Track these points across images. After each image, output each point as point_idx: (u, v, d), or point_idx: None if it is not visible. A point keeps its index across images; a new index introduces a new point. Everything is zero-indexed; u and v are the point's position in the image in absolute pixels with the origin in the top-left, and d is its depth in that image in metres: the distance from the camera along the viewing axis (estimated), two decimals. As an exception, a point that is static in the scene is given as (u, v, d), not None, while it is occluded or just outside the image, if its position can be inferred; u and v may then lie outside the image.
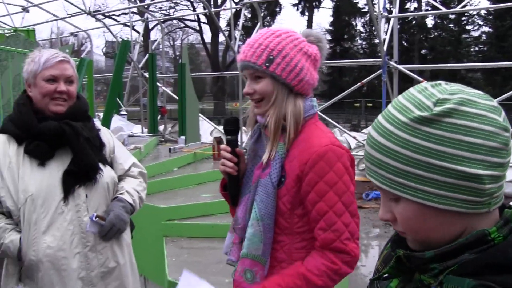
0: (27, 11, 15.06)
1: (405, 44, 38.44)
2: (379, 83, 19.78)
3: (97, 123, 2.45)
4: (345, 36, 41.33)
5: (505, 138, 0.86)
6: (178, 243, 4.26)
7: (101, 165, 2.22)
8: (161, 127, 13.75)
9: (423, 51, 38.14)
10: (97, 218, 2.10)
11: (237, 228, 1.84)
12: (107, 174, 2.25)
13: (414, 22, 36.64)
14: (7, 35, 8.69)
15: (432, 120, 0.85)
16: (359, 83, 10.63)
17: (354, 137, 11.00)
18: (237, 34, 13.71)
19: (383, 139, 0.90)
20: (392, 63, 9.74)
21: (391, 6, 10.43)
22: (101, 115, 9.69)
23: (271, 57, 1.65)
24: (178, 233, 4.43)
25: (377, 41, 37.00)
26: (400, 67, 9.86)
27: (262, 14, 12.34)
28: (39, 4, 14.60)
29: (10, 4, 14.72)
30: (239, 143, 1.95)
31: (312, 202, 1.63)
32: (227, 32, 19.18)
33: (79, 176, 2.14)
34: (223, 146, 1.87)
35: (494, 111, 0.87)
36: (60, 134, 2.10)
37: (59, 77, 2.14)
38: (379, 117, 0.94)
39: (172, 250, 4.10)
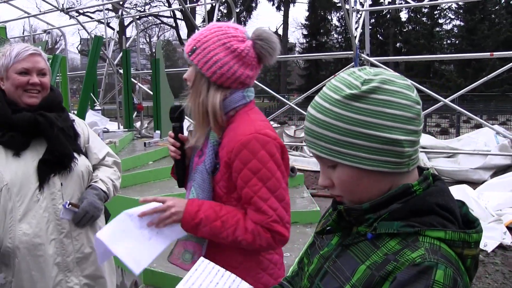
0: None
1: (380, 38, 38.90)
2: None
3: (72, 116, 2.52)
4: (321, 31, 41.63)
5: (418, 110, 1.05)
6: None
7: (75, 154, 2.28)
8: (138, 124, 13.75)
9: (397, 44, 38.67)
10: (70, 205, 2.17)
11: None
12: (81, 163, 2.31)
13: (388, 16, 37.11)
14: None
15: (361, 97, 1.02)
16: (332, 76, 10.77)
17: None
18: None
19: (321, 115, 1.06)
20: (363, 55, 9.96)
21: (364, 0, 10.59)
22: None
23: (194, 47, 1.75)
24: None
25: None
26: (372, 59, 10.06)
27: (237, 10, 12.42)
28: (9, 0, 14.34)
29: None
30: (185, 130, 2.09)
31: (239, 188, 1.71)
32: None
33: (54, 165, 2.18)
34: (170, 132, 1.99)
35: (408, 88, 1.05)
36: (35, 125, 2.14)
37: (31, 70, 2.17)
38: (316, 97, 1.11)
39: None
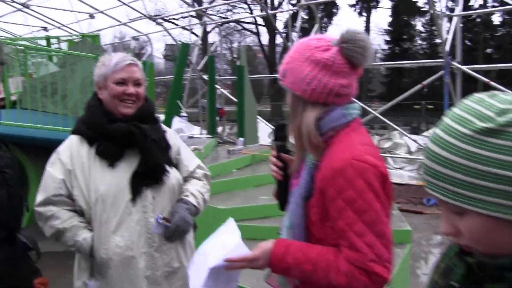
0: (93, 18, 15.72)
1: (468, 43, 37.03)
2: (440, 84, 19.12)
3: (164, 127, 2.51)
4: (404, 37, 40.34)
5: None
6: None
7: (167, 167, 2.27)
8: (219, 129, 13.96)
9: (488, 50, 36.57)
10: (163, 219, 2.15)
11: (280, 236, 1.84)
12: (173, 175, 2.30)
13: (478, 20, 35.18)
14: (75, 41, 9.10)
15: (498, 131, 0.84)
16: (419, 85, 10.32)
17: (415, 140, 10.69)
18: (295, 35, 13.69)
19: (446, 152, 0.89)
20: (455, 63, 9.42)
21: (453, 4, 10.02)
22: (162, 116, 9.95)
23: (284, 71, 1.67)
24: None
25: (438, 41, 36.05)
26: (464, 67, 9.50)
27: (319, 15, 12.26)
28: (104, 10, 15.19)
29: (78, 12, 15.41)
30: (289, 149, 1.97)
31: (333, 218, 1.55)
32: (284, 34, 19.18)
33: (147, 177, 2.19)
34: (272, 151, 1.90)
35: None
36: (129, 136, 2.16)
37: (128, 80, 2.20)
38: (437, 130, 0.93)
39: (230, 252, 4.11)
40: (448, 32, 9.51)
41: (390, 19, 40.02)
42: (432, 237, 7.04)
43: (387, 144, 12.23)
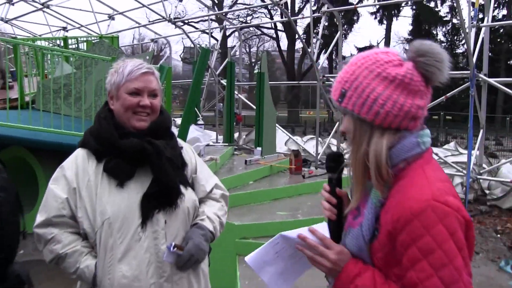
0: (113, 19, 15.68)
1: (490, 54, 36.43)
2: (459, 95, 18.64)
3: (181, 143, 2.29)
4: (424, 46, 39.82)
5: None
6: (252, 264, 4.01)
7: (182, 188, 2.06)
8: (236, 134, 13.78)
9: (511, 62, 35.90)
10: (175, 248, 1.93)
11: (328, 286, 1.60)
12: (188, 197, 2.08)
13: (502, 30, 34.56)
14: (93, 42, 8.98)
15: None
16: (442, 97, 9.99)
17: (436, 154, 10.33)
18: (315, 42, 13.46)
19: None
20: (481, 75, 9.10)
21: (479, 14, 9.67)
22: (177, 120, 9.75)
23: (343, 90, 1.44)
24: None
25: (459, 51, 35.52)
26: (491, 80, 9.17)
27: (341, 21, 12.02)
28: (124, 12, 15.14)
29: (98, 13, 15.39)
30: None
31: (405, 268, 1.31)
32: (304, 39, 18.93)
33: (159, 200, 1.97)
34: (324, 185, 1.63)
35: None
36: (141, 153, 1.96)
37: (142, 90, 2.01)
38: None
39: (245, 271, 3.87)
40: (476, 43, 9.16)
41: (410, 27, 39.55)
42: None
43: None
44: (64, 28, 16.53)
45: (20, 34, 17.58)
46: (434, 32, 39.46)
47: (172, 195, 2.00)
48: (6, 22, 16.24)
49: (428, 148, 1.44)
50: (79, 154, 2.05)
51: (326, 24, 30.97)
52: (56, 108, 6.73)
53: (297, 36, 14.77)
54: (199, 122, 6.81)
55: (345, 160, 1.61)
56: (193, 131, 5.08)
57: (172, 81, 16.05)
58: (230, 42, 34.24)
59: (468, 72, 8.91)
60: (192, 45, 15.03)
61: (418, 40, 1.42)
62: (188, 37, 14.26)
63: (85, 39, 10.95)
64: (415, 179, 1.35)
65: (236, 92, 12.83)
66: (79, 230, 1.98)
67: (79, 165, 2.01)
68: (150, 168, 1.99)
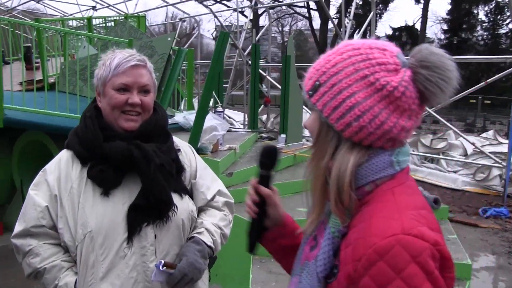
0: (140, -3, 15.49)
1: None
2: (500, 78, 17.81)
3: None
4: (464, 26, 38.38)
5: None
6: (266, 265, 3.77)
7: (176, 197, 1.81)
8: (264, 117, 13.48)
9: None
10: (165, 267, 1.69)
11: None
12: (183, 208, 1.83)
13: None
14: (120, 21, 8.80)
15: None
16: (483, 82, 9.47)
17: (473, 144, 9.83)
18: (347, 22, 12.95)
19: None
20: (528, 60, 8.55)
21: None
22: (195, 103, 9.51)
23: (317, 83, 1.14)
24: (267, 252, 3.89)
25: (501, 31, 34.03)
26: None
27: (374, 1, 11.48)
28: (152, -10, 14.94)
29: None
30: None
31: None
32: (336, 20, 18.41)
33: (148, 212, 1.74)
34: (252, 180, 1.41)
35: None
36: (129, 158, 1.72)
37: (131, 86, 1.77)
38: None
39: (258, 274, 3.65)
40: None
41: (449, 7, 38.11)
42: (489, 258, 6.28)
43: (441, 145, 11.32)
44: (94, 7, 16.46)
45: (51, 14, 17.67)
46: (475, 12, 37.97)
47: (162, 207, 1.76)
48: (38, 2, 16.29)
49: (404, 168, 1.14)
50: (63, 156, 1.84)
51: (360, 2, 30.08)
52: (79, 91, 6.61)
53: (329, 16, 14.24)
54: (218, 109, 6.54)
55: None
56: (211, 119, 4.82)
57: (203, 61, 15.98)
58: (262, 21, 33.77)
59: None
60: (224, 24, 14.79)
61: (427, 45, 1.11)
62: (215, 16, 13.97)
63: (112, 18, 10.81)
64: (382, 206, 1.08)
65: (265, 74, 12.54)
66: (61, 242, 1.77)
67: (62, 169, 1.80)
68: (138, 176, 1.75)
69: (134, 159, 1.72)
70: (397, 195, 1.08)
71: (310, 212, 1.21)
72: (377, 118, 1.07)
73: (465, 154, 10.95)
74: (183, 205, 1.84)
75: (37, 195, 1.78)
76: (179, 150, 1.96)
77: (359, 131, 1.08)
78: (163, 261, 1.69)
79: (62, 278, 1.74)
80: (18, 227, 1.79)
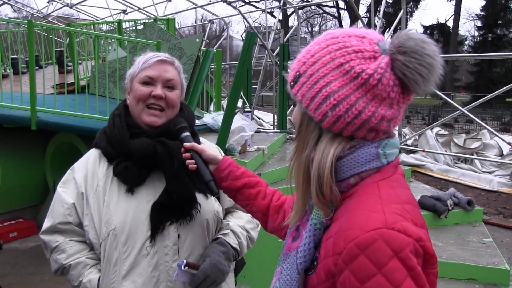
0: (170, 0, 15.61)
1: None
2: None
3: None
4: (499, 22, 37.39)
5: None
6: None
7: (201, 197, 1.79)
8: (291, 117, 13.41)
9: None
10: (187, 267, 1.66)
11: None
12: (208, 208, 1.81)
13: None
14: (149, 23, 8.89)
15: None
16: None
17: (509, 143, 9.53)
18: (377, 21, 12.76)
19: None
20: None
21: None
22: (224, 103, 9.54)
23: (298, 73, 1.12)
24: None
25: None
26: None
27: None
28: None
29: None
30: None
31: None
32: (366, 19, 18.18)
33: (171, 210, 1.72)
34: (184, 145, 1.70)
35: None
36: (153, 156, 1.71)
37: (156, 79, 1.77)
38: None
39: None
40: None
41: (483, 2, 37.22)
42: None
43: (475, 145, 11.03)
44: (124, 11, 16.70)
45: (84, 18, 18.02)
46: (511, 7, 36.97)
47: (185, 205, 1.74)
48: (71, 7, 16.63)
49: (391, 161, 1.11)
50: (91, 155, 1.85)
51: (390, 1, 29.73)
52: (109, 93, 6.72)
53: (358, 14, 14.08)
54: (246, 110, 6.52)
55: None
56: (239, 120, 4.80)
57: (233, 62, 16.05)
58: (291, 21, 33.68)
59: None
60: (254, 25, 14.81)
61: (408, 30, 1.07)
62: (245, 18, 13.90)
63: (142, 21, 10.94)
64: (365, 200, 1.04)
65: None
66: (86, 239, 1.79)
67: (89, 168, 1.80)
68: (162, 173, 1.74)
69: (158, 156, 1.71)
70: (382, 188, 1.06)
71: (294, 204, 1.21)
72: (354, 107, 1.04)
73: (501, 154, 10.64)
74: (208, 205, 1.81)
75: (64, 192, 1.80)
76: (194, 135, 1.91)
77: (337, 121, 1.06)
78: (185, 261, 1.66)
79: (86, 275, 1.75)
80: (46, 224, 1.82)
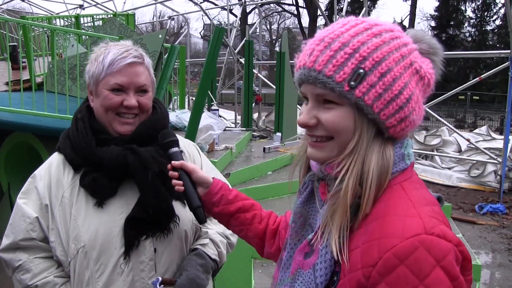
0: (129, -5, 15.25)
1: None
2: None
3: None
4: (451, 23, 38.55)
5: None
6: (268, 269, 3.62)
7: (179, 206, 1.64)
8: (255, 115, 13.34)
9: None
10: (163, 285, 1.54)
11: None
12: (186, 218, 1.66)
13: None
14: (109, 19, 8.61)
15: None
16: (477, 78, 9.42)
17: (468, 140, 9.77)
18: (338, 18, 12.84)
19: None
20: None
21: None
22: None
23: (361, 71, 0.95)
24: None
25: (488, 28, 34.18)
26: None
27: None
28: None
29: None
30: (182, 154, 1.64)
31: None
32: (327, 16, 18.28)
33: (146, 224, 1.57)
34: (172, 163, 1.48)
35: None
36: (123, 166, 1.55)
37: (127, 87, 1.59)
38: None
39: (260, 279, 3.49)
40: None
41: (437, 3, 38.31)
42: (489, 255, 6.19)
43: (435, 141, 11.25)
44: (81, 6, 16.17)
45: (37, 13, 17.36)
46: (463, 8, 38.17)
47: (162, 219, 1.59)
48: (23, 0, 15.98)
49: (412, 162, 1.07)
50: (54, 160, 1.67)
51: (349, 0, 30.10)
52: (68, 90, 6.43)
53: (319, 13, 14.16)
54: (213, 108, 6.38)
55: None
56: (206, 118, 4.66)
57: (192, 59, 15.86)
58: (251, 19, 33.63)
59: (507, 51, 8.29)
60: (210, 23, 14.61)
61: (419, 30, 1.03)
62: (206, 14, 13.77)
63: (101, 17, 10.59)
64: (394, 204, 0.96)
65: (256, 71, 12.40)
66: (53, 255, 1.61)
67: (52, 176, 1.63)
68: (135, 184, 1.59)
69: (129, 166, 1.55)
70: (408, 190, 0.99)
71: (323, 221, 1.03)
72: (420, 107, 0.99)
73: (459, 151, 10.90)
74: (186, 214, 1.64)
75: (26, 204, 1.61)
76: (181, 151, 1.74)
77: (410, 125, 0.99)
78: (160, 278, 1.54)
79: None
80: (6, 240, 1.62)
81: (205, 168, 1.85)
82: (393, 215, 0.94)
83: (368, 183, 0.96)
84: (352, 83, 0.95)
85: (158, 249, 1.60)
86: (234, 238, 1.86)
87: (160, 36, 6.51)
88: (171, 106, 7.83)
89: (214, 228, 1.80)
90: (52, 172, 1.63)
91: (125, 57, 1.58)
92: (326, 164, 1.03)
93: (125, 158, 1.55)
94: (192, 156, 1.85)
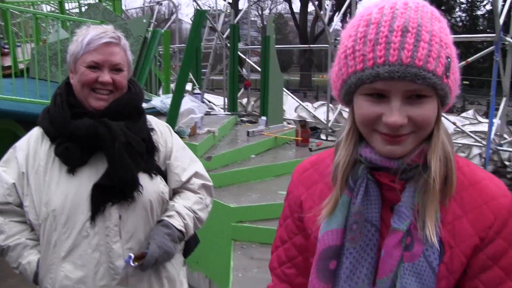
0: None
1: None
2: (478, 59, 17.89)
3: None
4: (443, 8, 38.58)
5: None
6: (248, 251, 3.66)
7: (146, 178, 1.77)
8: (244, 100, 13.32)
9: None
10: (135, 261, 1.63)
11: None
12: (152, 189, 1.79)
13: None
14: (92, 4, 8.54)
15: None
16: (463, 62, 9.44)
17: (454, 123, 9.84)
18: (327, 4, 12.80)
19: None
20: (508, 39, 8.50)
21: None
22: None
23: (449, 59, 0.94)
24: (248, 238, 3.81)
25: (479, 13, 34.27)
26: (519, 44, 8.56)
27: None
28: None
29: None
30: None
31: (494, 283, 1.02)
32: (316, 2, 18.22)
33: (112, 191, 1.70)
34: None
35: None
36: (93, 136, 1.68)
37: (102, 64, 1.72)
38: None
39: (240, 260, 3.52)
40: (504, 4, 8.49)
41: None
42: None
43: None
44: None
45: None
46: (453, -7, 38.22)
47: (125, 187, 1.71)
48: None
49: None
50: (34, 133, 1.82)
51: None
52: (52, 76, 6.39)
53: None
54: (195, 92, 6.37)
55: None
56: (188, 102, 4.66)
57: (180, 46, 15.73)
58: (241, 4, 33.41)
59: (493, 35, 8.31)
60: (204, 8, 14.55)
61: None
62: (195, 0, 13.70)
63: (86, 2, 10.48)
64: (470, 171, 1.06)
65: (245, 57, 12.39)
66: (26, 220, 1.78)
67: (31, 147, 1.78)
68: (104, 155, 1.71)
69: (99, 137, 1.67)
70: (458, 157, 1.09)
71: (429, 216, 1.00)
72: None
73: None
74: (152, 186, 1.79)
75: (5, 172, 1.77)
76: (152, 129, 1.89)
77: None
78: (132, 255, 1.63)
79: (25, 257, 1.75)
80: None
81: (175, 148, 1.95)
82: (483, 180, 1.04)
83: (451, 161, 1.00)
84: (448, 73, 0.94)
85: (123, 216, 1.72)
86: (202, 214, 1.94)
87: (145, 20, 6.50)
88: (160, 92, 7.82)
89: (182, 202, 1.88)
90: (31, 144, 1.77)
91: (102, 37, 1.71)
92: (409, 155, 1.00)
93: (96, 129, 1.66)
94: (164, 135, 1.94)
